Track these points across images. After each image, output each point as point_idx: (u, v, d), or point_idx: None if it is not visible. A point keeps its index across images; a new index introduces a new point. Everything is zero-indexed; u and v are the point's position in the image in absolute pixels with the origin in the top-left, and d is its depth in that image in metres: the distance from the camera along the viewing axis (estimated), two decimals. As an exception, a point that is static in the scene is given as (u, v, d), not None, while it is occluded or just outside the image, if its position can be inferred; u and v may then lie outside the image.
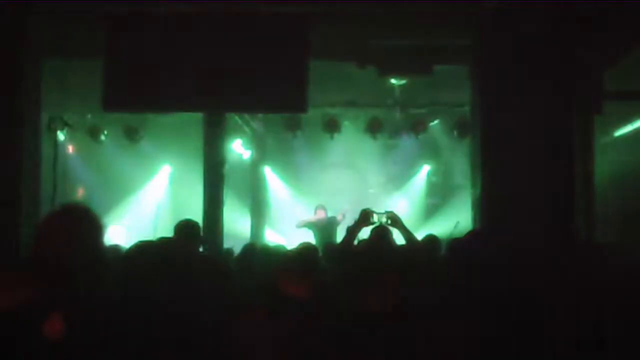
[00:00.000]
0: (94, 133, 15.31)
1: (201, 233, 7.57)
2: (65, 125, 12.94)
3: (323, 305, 4.39)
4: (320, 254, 8.59)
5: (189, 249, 6.56)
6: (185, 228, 7.19)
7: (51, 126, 12.37)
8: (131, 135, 15.02)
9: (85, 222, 3.56)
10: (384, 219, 6.70)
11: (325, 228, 14.83)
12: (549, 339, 4.25)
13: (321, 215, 15.18)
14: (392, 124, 14.98)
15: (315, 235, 14.77)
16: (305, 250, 6.09)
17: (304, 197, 17.21)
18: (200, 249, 7.63)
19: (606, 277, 4.69)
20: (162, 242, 4.82)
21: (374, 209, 6.81)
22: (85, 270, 3.43)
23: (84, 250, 3.47)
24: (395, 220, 6.71)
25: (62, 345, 3.17)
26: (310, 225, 15.09)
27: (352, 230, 6.59)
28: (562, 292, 4.49)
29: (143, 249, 4.21)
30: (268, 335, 4.15)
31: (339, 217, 15.13)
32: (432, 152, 17.03)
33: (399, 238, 6.97)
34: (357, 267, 4.61)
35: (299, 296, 4.45)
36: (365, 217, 6.69)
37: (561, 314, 4.33)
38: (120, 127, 15.05)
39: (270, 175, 17.85)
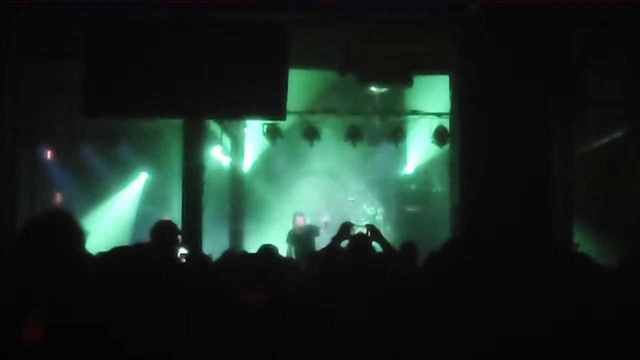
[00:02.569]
0: (73, 138, 15.21)
1: (179, 234, 7.40)
2: (44, 130, 12.89)
3: (284, 314, 4.35)
4: (301, 262, 8.60)
5: (165, 253, 6.42)
6: (161, 230, 6.97)
7: (30, 131, 12.32)
8: (110, 140, 14.90)
9: (66, 228, 3.55)
10: (364, 232, 6.69)
11: (304, 236, 14.79)
12: (529, 346, 4.25)
13: (300, 222, 15.15)
14: (371, 132, 15.01)
15: (294, 243, 14.73)
16: (261, 255, 6.08)
17: (284, 204, 17.18)
18: (180, 253, 7.50)
19: (585, 285, 4.70)
20: (139, 247, 4.78)
21: (354, 222, 6.82)
22: (65, 275, 3.42)
23: (65, 256, 3.45)
24: (376, 233, 6.70)
25: (40, 351, 3.15)
26: (292, 236, 15.03)
27: (333, 243, 6.57)
28: (541, 300, 4.49)
29: (120, 254, 4.19)
30: (222, 344, 4.10)
31: (321, 230, 15.12)
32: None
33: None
34: (338, 278, 4.60)
35: (254, 303, 4.39)
36: (345, 230, 6.67)
37: (541, 321, 4.33)
38: (100, 133, 14.96)
39: (250, 182, 17.79)
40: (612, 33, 9.82)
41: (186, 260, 7.30)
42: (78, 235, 3.57)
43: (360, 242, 6.68)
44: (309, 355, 4.14)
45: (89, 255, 4.37)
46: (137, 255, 4.11)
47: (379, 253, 6.66)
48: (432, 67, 11.77)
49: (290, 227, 15.23)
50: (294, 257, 13.53)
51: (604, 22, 9.63)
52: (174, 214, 10.76)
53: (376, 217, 17.34)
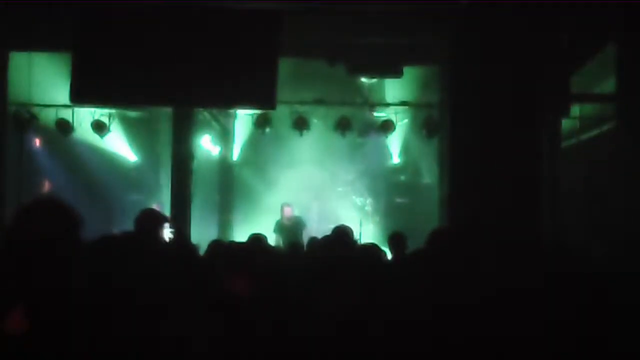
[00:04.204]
0: (61, 127, 15.12)
1: (165, 222, 7.35)
2: (32, 118, 12.84)
3: (270, 303, 4.35)
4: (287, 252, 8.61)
5: (149, 241, 6.40)
6: (145, 219, 6.93)
7: (18, 119, 12.28)
8: (99, 129, 14.82)
9: (62, 216, 3.53)
10: None
11: (292, 227, 14.79)
12: (514, 341, 4.25)
13: (288, 213, 15.15)
14: (361, 123, 15.00)
15: (282, 234, 14.72)
16: (249, 244, 6.09)
17: (273, 194, 17.15)
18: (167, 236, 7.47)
19: (572, 278, 4.71)
20: (125, 236, 4.78)
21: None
22: (59, 264, 3.41)
23: (62, 244, 3.44)
24: None
25: (23, 341, 3.14)
26: (279, 226, 15.01)
27: None
28: (527, 294, 4.51)
29: (107, 243, 4.18)
30: (205, 331, 4.10)
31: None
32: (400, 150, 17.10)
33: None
34: (319, 265, 4.59)
35: (239, 291, 4.40)
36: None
37: (527, 315, 4.34)
38: (89, 122, 14.89)
39: (239, 171, 17.75)
40: (601, 28, 9.84)
41: (170, 244, 7.30)
42: (75, 223, 3.55)
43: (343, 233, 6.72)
44: (294, 343, 4.14)
45: (83, 242, 4.38)
46: (123, 244, 4.12)
47: (362, 244, 6.70)
48: (422, 59, 11.78)
49: (278, 217, 15.25)
50: (282, 247, 13.51)
51: (593, 21, 9.65)
52: (163, 203, 10.74)
53: (365, 208, 17.35)
